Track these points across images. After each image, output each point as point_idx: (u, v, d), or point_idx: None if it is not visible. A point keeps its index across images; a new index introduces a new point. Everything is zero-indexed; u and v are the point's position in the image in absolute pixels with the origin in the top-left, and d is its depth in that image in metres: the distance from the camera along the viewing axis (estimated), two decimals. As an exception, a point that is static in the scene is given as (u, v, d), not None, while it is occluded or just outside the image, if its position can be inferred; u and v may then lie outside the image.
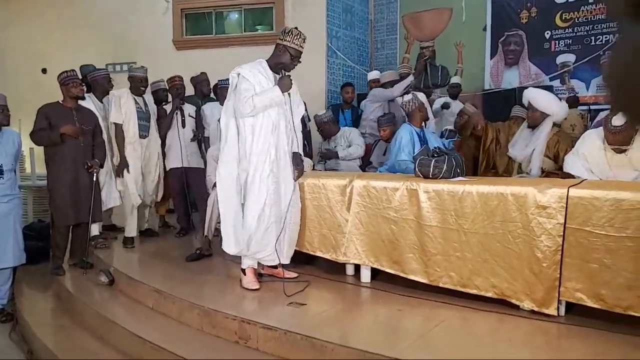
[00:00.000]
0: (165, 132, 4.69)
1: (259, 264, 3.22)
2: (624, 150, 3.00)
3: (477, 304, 2.66)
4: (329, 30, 6.83)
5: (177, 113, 4.69)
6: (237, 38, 7.09)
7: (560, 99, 4.06)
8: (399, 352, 2.12)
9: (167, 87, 4.94)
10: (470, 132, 4.22)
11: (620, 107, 0.75)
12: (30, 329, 3.32)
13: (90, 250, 4.14)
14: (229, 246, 3.10)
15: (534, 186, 2.54)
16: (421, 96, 4.07)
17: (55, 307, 3.73)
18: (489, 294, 2.64)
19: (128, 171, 4.34)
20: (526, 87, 4.50)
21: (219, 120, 3.24)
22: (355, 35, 7.39)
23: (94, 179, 3.97)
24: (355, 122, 5.45)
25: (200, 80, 5.28)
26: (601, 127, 3.09)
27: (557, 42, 6.38)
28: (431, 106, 5.18)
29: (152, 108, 4.62)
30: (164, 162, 4.74)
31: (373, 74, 5.91)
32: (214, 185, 3.53)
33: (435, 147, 3.28)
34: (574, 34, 6.24)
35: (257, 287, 3.07)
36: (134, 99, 4.41)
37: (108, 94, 4.58)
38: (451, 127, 4.82)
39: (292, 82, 3.05)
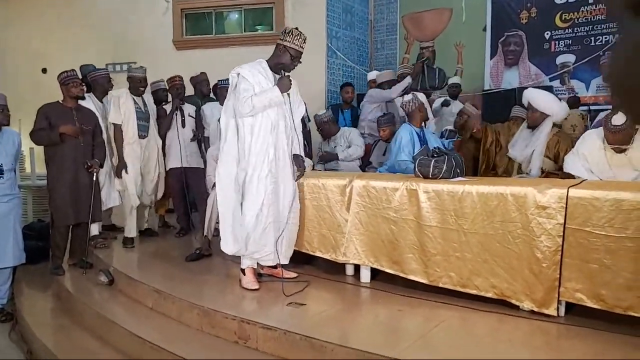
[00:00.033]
0: (165, 132, 4.69)
1: (258, 264, 3.22)
2: (624, 150, 3.00)
3: (477, 304, 2.66)
4: (329, 30, 6.83)
5: (176, 113, 4.69)
6: (237, 38, 7.09)
7: (560, 99, 4.06)
8: (398, 352, 2.12)
9: (167, 87, 4.94)
10: (470, 134, 4.23)
11: (621, 105, 0.75)
12: (30, 328, 3.32)
13: (90, 250, 4.14)
14: (227, 245, 3.10)
15: (534, 186, 2.54)
16: (421, 96, 4.07)
17: (54, 307, 3.73)
18: (489, 294, 2.64)
19: (126, 172, 4.34)
20: (526, 88, 4.50)
21: (218, 120, 3.25)
22: (355, 36, 7.39)
23: (94, 178, 3.97)
24: (355, 122, 5.45)
25: (199, 80, 5.28)
26: (601, 127, 3.09)
27: (557, 42, 6.38)
28: (431, 106, 5.19)
29: (152, 108, 4.62)
30: (164, 162, 4.74)
31: (373, 74, 5.92)
32: (214, 185, 3.53)
33: (435, 147, 3.29)
34: (574, 35, 6.24)
35: (257, 287, 3.07)
36: (133, 99, 4.40)
37: (108, 94, 4.59)
38: (451, 127, 4.82)
39: (292, 82, 3.05)
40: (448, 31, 5.77)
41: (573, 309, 2.49)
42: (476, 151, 4.20)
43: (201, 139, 4.79)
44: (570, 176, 3.17)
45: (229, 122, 3.08)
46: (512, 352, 2.15)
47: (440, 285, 2.80)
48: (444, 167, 2.95)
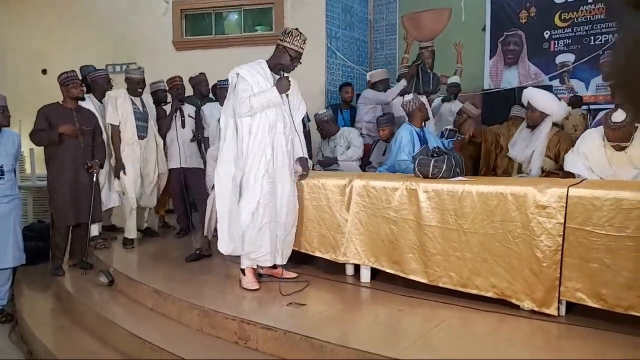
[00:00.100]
0: (165, 133, 4.69)
1: (258, 264, 3.22)
2: (624, 148, 3.00)
3: (477, 304, 2.65)
4: (329, 30, 6.82)
5: (176, 115, 4.69)
6: (237, 38, 7.08)
7: (560, 98, 4.05)
8: (398, 352, 2.12)
9: (167, 88, 4.94)
10: (469, 139, 4.21)
11: (622, 102, 0.75)
12: (30, 329, 3.32)
13: (90, 250, 4.14)
14: (223, 244, 3.09)
15: (534, 186, 2.54)
16: (421, 96, 4.08)
17: (54, 307, 3.73)
18: (489, 294, 2.64)
19: (124, 172, 4.33)
20: (525, 87, 4.50)
21: (218, 121, 3.25)
22: (354, 36, 7.39)
23: (94, 179, 3.97)
24: (354, 122, 5.45)
25: (198, 81, 5.28)
26: (601, 126, 3.09)
27: (556, 42, 6.38)
28: (430, 105, 5.20)
29: (151, 108, 4.61)
30: (166, 162, 4.74)
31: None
32: (214, 185, 3.53)
33: (434, 147, 3.28)
34: (573, 34, 6.24)
35: (257, 287, 3.07)
36: (131, 99, 4.39)
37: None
38: (451, 126, 4.82)
39: (291, 83, 3.05)
40: (447, 31, 5.78)
41: (574, 309, 2.48)
42: (476, 153, 4.19)
43: (201, 140, 4.79)
44: (570, 175, 3.17)
45: (228, 122, 3.09)
46: (513, 352, 2.15)
47: (440, 285, 2.80)
48: (444, 166, 2.95)
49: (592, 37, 6.12)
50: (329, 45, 6.82)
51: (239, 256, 3.14)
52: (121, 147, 4.33)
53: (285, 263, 3.23)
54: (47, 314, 3.62)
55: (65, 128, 3.80)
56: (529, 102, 3.68)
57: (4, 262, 3.69)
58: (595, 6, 6.06)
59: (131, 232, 4.41)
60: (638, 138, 2.98)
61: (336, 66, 7.00)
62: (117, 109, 4.31)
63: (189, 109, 4.83)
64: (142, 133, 4.44)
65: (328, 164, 4.64)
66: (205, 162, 4.41)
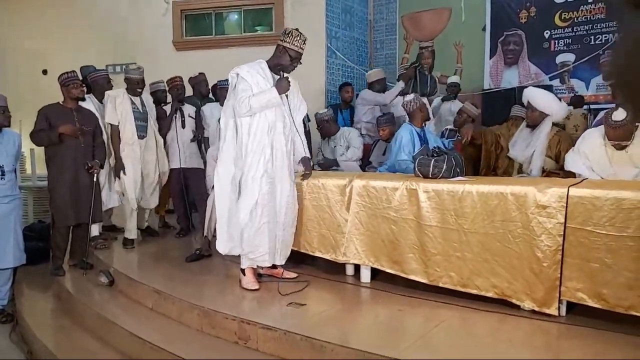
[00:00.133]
0: (166, 133, 4.69)
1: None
2: (624, 147, 3.00)
3: (477, 304, 2.65)
4: (328, 30, 6.82)
5: (176, 115, 4.69)
6: (237, 39, 7.08)
7: (560, 98, 4.05)
8: (399, 352, 2.12)
9: (167, 88, 4.94)
10: (469, 142, 4.21)
11: (623, 101, 0.75)
12: (30, 329, 3.32)
13: (90, 250, 4.14)
14: (222, 243, 3.09)
15: (534, 186, 2.53)
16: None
17: (55, 307, 3.73)
18: (489, 294, 2.63)
19: (124, 172, 4.32)
20: (526, 87, 4.50)
21: (218, 121, 3.25)
22: (354, 36, 7.39)
23: (94, 179, 3.97)
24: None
25: (198, 81, 5.28)
26: (602, 125, 3.09)
27: (556, 41, 6.37)
28: (430, 105, 5.19)
29: (150, 108, 4.60)
30: (167, 162, 4.74)
31: (372, 74, 5.91)
32: (214, 185, 3.53)
33: (434, 147, 3.28)
34: (574, 34, 6.23)
35: (257, 287, 3.07)
36: (131, 99, 4.38)
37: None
38: (451, 126, 4.82)
39: (291, 83, 3.05)
40: (447, 31, 5.77)
41: (574, 309, 2.48)
42: (476, 154, 4.18)
43: (201, 140, 4.79)
44: (571, 175, 3.17)
45: (228, 122, 3.09)
46: (513, 352, 2.15)
47: (441, 285, 2.80)
48: (444, 166, 2.95)
49: (592, 37, 6.12)
50: (329, 45, 6.82)
51: (239, 256, 3.14)
52: (121, 147, 4.32)
53: (283, 263, 3.23)
54: (48, 314, 3.62)
55: (66, 128, 3.80)
56: (529, 102, 3.68)
57: (4, 262, 3.69)
58: (595, 6, 6.05)
59: (131, 233, 4.41)
60: (638, 137, 2.98)
61: (336, 66, 7.00)
62: (116, 109, 4.31)
63: (189, 109, 4.83)
64: (141, 133, 4.43)
65: (328, 167, 4.64)
66: (205, 162, 4.41)
